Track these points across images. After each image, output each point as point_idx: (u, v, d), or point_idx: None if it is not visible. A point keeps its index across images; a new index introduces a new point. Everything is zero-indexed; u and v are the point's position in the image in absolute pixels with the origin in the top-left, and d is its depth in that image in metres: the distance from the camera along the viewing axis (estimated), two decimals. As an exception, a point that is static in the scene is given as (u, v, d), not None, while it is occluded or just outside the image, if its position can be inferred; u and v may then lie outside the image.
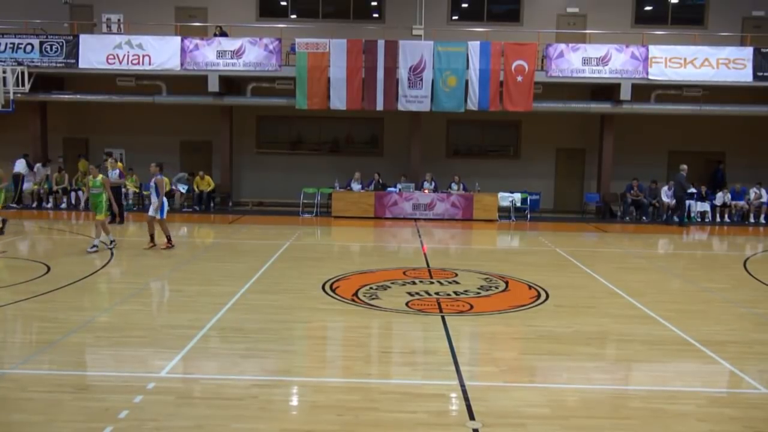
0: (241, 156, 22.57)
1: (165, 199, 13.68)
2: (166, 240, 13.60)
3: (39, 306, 9.23)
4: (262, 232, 16.94)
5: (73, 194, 20.99)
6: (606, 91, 20.84)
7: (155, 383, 6.30)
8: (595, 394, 6.36)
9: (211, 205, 21.24)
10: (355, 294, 9.94)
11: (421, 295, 9.94)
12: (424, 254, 13.86)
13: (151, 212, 13.42)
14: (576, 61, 19.88)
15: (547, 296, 10.12)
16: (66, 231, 16.34)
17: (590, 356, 7.48)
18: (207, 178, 21.13)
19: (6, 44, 19.95)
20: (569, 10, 22.40)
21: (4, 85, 18.64)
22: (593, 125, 22.03)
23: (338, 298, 9.76)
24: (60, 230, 16.38)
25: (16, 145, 21.34)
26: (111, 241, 13.48)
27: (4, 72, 18.68)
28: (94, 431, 5.26)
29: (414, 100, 19.74)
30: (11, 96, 18.83)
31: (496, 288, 10.62)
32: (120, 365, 6.87)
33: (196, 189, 20.98)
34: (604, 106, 20.73)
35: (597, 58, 19.87)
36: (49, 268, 11.50)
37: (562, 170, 22.94)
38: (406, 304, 9.43)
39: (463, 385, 6.36)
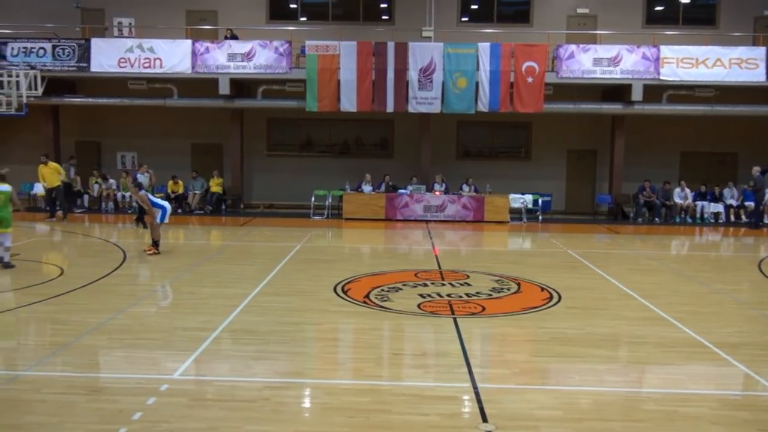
0: (252, 158, 22.64)
1: (167, 205, 13.67)
2: (152, 244, 13.42)
3: (52, 308, 9.29)
4: (273, 234, 16.98)
5: (86, 197, 21.13)
6: (617, 91, 20.75)
7: (168, 385, 6.33)
8: (608, 396, 6.33)
9: (222, 207, 21.33)
10: (367, 296, 9.94)
11: (432, 297, 9.93)
12: (436, 256, 13.85)
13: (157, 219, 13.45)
14: (587, 61, 19.82)
15: (560, 298, 10.08)
16: (78, 233, 16.44)
17: (603, 358, 7.45)
18: (219, 178, 21.26)
19: (19, 48, 20.11)
20: (579, 10, 22.33)
21: (18, 88, 18.82)
22: (604, 126, 21.95)
23: (349, 300, 9.77)
24: (72, 233, 16.48)
25: (29, 147, 21.49)
26: None
27: (18, 76, 18.85)
28: (108, 433, 5.29)
29: (424, 101, 19.73)
30: (24, 99, 19.00)
31: (508, 290, 10.60)
32: (133, 367, 6.91)
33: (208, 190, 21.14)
34: (615, 107, 20.64)
35: (608, 59, 19.79)
36: (62, 271, 11.58)
37: (573, 171, 22.86)
38: (418, 306, 9.43)
39: (475, 387, 6.35)
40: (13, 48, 20.12)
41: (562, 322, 8.79)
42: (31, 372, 6.66)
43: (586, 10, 22.29)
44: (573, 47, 19.95)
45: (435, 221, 19.38)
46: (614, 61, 19.78)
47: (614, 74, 19.85)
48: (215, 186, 21.22)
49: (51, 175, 18.60)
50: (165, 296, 10.42)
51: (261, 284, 10.65)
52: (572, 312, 9.33)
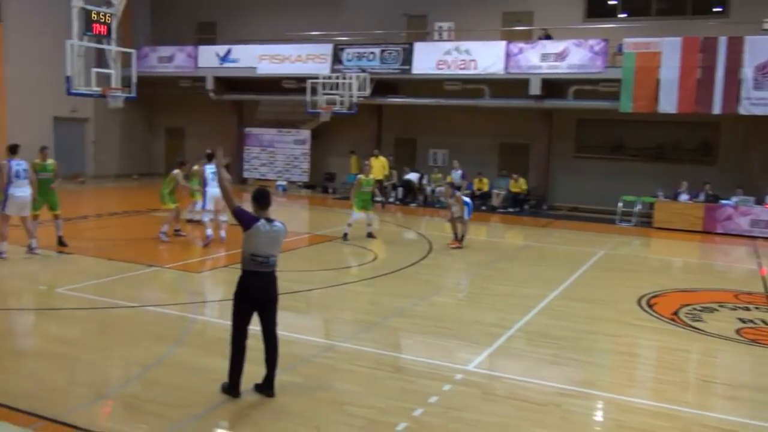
0: (558, 159, 22.26)
1: (470, 202, 14.22)
2: (455, 238, 13.90)
3: (366, 289, 10.26)
4: (574, 238, 16.51)
5: (400, 190, 22.79)
6: None
7: (463, 375, 6.54)
8: None
9: (525, 207, 21.40)
10: (675, 313, 9.14)
11: (755, 324, 8.76)
12: (763, 278, 12.18)
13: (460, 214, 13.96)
14: None
15: None
16: (391, 223, 17.83)
17: None
18: (521, 180, 21.39)
19: (353, 53, 22.49)
20: None
21: (350, 89, 21.10)
22: None
23: (655, 315, 9.08)
24: (386, 222, 17.93)
25: (353, 142, 23.94)
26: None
27: (350, 78, 21.12)
28: (406, 411, 5.64)
29: (760, 102, 17.44)
30: (355, 99, 21.24)
31: None
32: (431, 353, 7.27)
33: (510, 190, 21.41)
34: None
35: None
36: (376, 256, 12.69)
37: None
38: (737, 331, 8.40)
39: (804, 435, 5.45)
40: (348, 53, 22.55)
41: None
42: (345, 344, 7.41)
43: None
44: None
45: (764, 238, 17.04)
46: None
47: None
48: (518, 186, 21.36)
49: (378, 168, 20.50)
50: (463, 289, 10.79)
51: (559, 288, 10.43)
52: None
